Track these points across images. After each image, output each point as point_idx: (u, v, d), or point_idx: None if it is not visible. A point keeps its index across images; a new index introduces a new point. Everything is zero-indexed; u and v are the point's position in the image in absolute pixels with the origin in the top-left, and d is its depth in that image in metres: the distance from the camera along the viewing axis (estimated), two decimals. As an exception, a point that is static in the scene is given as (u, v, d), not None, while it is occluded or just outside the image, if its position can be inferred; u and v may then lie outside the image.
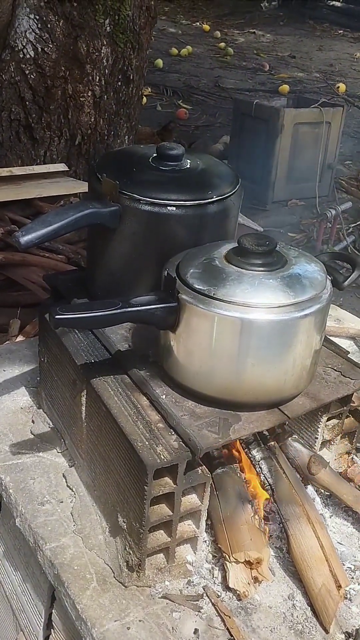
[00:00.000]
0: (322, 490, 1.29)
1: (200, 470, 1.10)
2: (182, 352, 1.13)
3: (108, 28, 2.73)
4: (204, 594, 1.11)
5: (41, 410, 1.49)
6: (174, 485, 1.06)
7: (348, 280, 1.19)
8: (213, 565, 1.16)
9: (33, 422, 1.47)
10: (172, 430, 1.09)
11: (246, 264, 1.11)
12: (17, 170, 2.69)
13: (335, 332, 1.90)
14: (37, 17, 2.53)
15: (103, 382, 1.20)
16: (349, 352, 1.35)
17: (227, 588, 1.12)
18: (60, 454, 1.39)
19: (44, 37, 2.56)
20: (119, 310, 1.08)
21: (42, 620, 1.29)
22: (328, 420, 1.28)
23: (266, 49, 9.39)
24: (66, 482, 1.32)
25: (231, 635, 1.05)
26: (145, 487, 1.03)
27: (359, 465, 1.35)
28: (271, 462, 1.25)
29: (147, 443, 1.06)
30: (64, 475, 1.33)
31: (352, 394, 1.26)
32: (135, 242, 1.24)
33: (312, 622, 1.09)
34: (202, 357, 1.11)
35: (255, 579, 1.12)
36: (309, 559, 1.13)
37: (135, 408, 1.14)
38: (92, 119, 2.87)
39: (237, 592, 1.11)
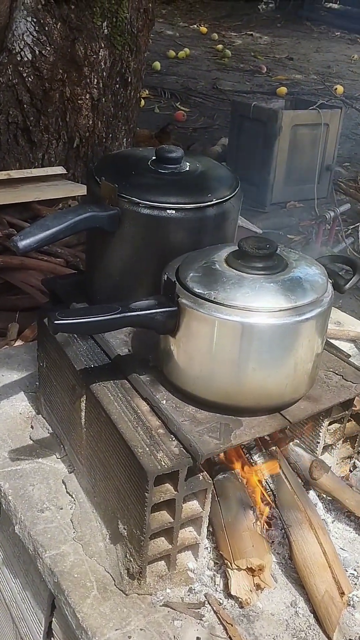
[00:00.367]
0: (324, 495, 1.28)
1: (201, 477, 1.08)
2: (183, 357, 1.12)
3: (106, 31, 2.72)
4: (206, 602, 1.10)
5: (40, 415, 1.48)
6: (175, 492, 1.05)
7: (349, 283, 1.18)
8: (215, 573, 1.14)
9: (32, 427, 1.46)
10: (172, 435, 1.08)
11: (246, 268, 1.10)
12: (15, 174, 2.68)
13: (335, 334, 1.89)
14: (35, 20, 2.52)
15: (103, 387, 1.18)
16: (350, 356, 1.34)
17: (229, 595, 1.11)
18: (59, 459, 1.38)
19: (42, 40, 2.55)
20: (118, 315, 1.07)
21: (42, 628, 1.28)
22: (330, 424, 1.27)
23: (264, 51, 9.40)
24: (66, 488, 1.31)
25: (233, 644, 1.04)
26: (146, 493, 1.02)
27: (361, 469, 1.34)
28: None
29: (147, 449, 1.05)
30: (63, 482, 1.32)
31: (354, 398, 1.25)
32: (134, 245, 1.23)
33: (315, 629, 1.08)
34: (203, 361, 1.10)
35: (258, 586, 1.11)
36: (311, 566, 1.11)
37: (136, 413, 1.13)
38: (90, 122, 2.86)
39: (239, 599, 1.09)
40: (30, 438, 1.42)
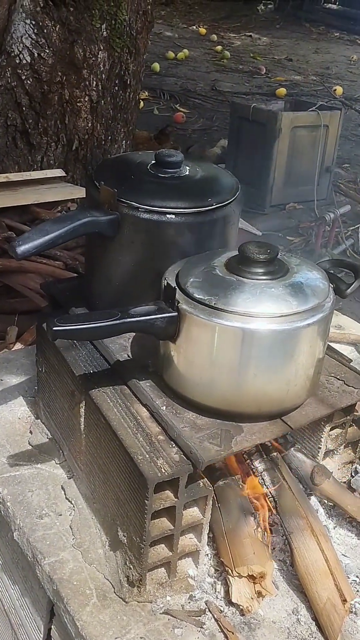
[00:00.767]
0: (326, 501, 1.27)
1: (201, 483, 1.08)
2: (183, 363, 1.11)
3: (105, 33, 2.71)
4: (207, 609, 1.09)
5: (39, 420, 1.47)
6: (175, 499, 1.04)
7: (351, 288, 1.17)
8: (215, 580, 1.14)
9: (31, 432, 1.45)
10: (172, 442, 1.07)
11: (247, 273, 1.09)
12: (14, 176, 2.67)
13: (336, 338, 1.89)
14: (33, 23, 2.52)
15: (102, 393, 1.18)
16: (351, 360, 1.34)
17: (229, 603, 1.10)
18: (58, 465, 1.37)
19: (40, 43, 2.55)
20: (118, 321, 1.06)
21: (41, 636, 1.27)
22: (331, 429, 1.26)
23: (263, 52, 9.40)
24: (65, 494, 1.30)
25: (234, 652, 1.03)
26: (146, 501, 1.01)
27: (362, 475, 1.33)
28: (274, 473, 1.23)
29: (147, 456, 1.04)
30: (62, 488, 1.31)
31: (356, 403, 1.24)
32: (134, 250, 1.23)
33: (317, 637, 1.07)
34: (203, 367, 1.09)
35: (259, 594, 1.10)
36: (313, 573, 1.10)
37: (135, 420, 1.12)
38: (89, 124, 2.85)
39: (240, 607, 1.09)
40: (29, 443, 1.42)
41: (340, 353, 1.34)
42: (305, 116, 4.00)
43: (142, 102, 5.50)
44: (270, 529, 1.19)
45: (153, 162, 1.28)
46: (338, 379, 1.24)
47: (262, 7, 12.81)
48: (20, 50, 2.54)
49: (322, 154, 4.06)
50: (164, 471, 1.01)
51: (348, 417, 1.25)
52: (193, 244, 1.21)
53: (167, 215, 1.18)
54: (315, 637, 1.07)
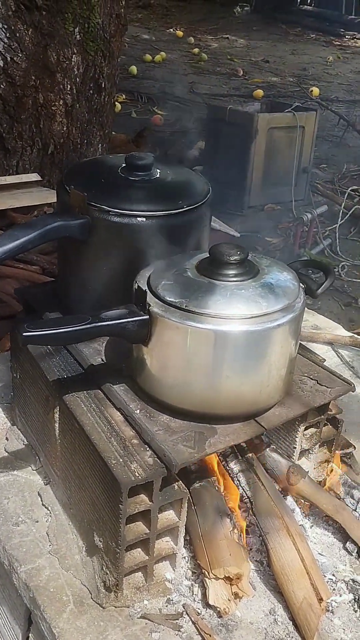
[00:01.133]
0: (302, 501, 1.28)
1: (176, 486, 1.08)
2: (156, 366, 1.11)
3: (78, 36, 2.71)
4: (184, 612, 1.09)
5: (15, 427, 1.46)
6: (150, 503, 1.04)
7: (321, 288, 1.18)
8: (193, 582, 1.13)
9: (7, 439, 1.44)
10: (146, 445, 1.07)
11: (218, 275, 1.09)
12: (-11, 181, 2.65)
13: (312, 337, 1.90)
14: (6, 27, 2.50)
15: (76, 398, 1.17)
16: (324, 360, 1.34)
17: (207, 605, 1.10)
18: (35, 471, 1.36)
19: (13, 47, 2.53)
20: (89, 326, 1.06)
21: (20, 644, 1.26)
22: (306, 429, 1.26)
23: (240, 54, 9.42)
24: (41, 500, 1.29)
25: (212, 654, 1.03)
26: (120, 505, 1.01)
27: (338, 473, 1.34)
28: (249, 474, 1.23)
29: (121, 460, 1.04)
30: (39, 494, 1.30)
31: (329, 402, 1.24)
32: (105, 254, 1.22)
33: (294, 636, 1.07)
34: (176, 370, 1.09)
35: (236, 595, 1.10)
36: (289, 573, 1.11)
37: (109, 424, 1.11)
38: (65, 128, 2.84)
39: (218, 609, 1.09)
40: (5, 450, 1.41)
41: (313, 352, 1.35)
42: (282, 117, 4.01)
43: (119, 105, 5.50)
44: (246, 530, 1.19)
45: (124, 165, 1.28)
46: (311, 379, 1.25)
47: (239, 10, 12.85)
48: (-7, 54, 2.53)
49: (299, 154, 4.08)
50: (137, 475, 1.01)
51: (322, 416, 1.26)
52: (164, 247, 1.20)
53: (138, 219, 1.18)
54: (292, 637, 1.07)
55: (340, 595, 1.14)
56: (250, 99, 6.58)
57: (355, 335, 1.97)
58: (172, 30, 10.65)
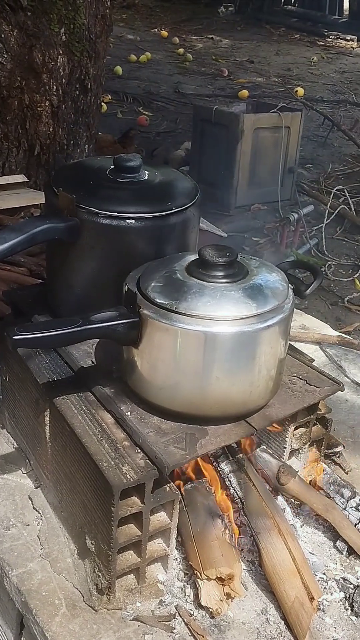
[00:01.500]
0: (293, 500, 1.28)
1: (168, 488, 1.08)
2: (146, 368, 1.11)
3: (63, 37, 2.69)
4: (176, 614, 1.09)
5: (5, 430, 1.46)
6: (142, 505, 1.04)
7: (310, 288, 1.19)
8: (185, 583, 1.14)
9: (-4, 442, 1.43)
10: (138, 448, 1.07)
11: (207, 276, 1.10)
12: (-25, 183, 2.64)
13: (300, 337, 1.91)
14: (-10, 27, 2.49)
15: (66, 400, 1.17)
16: (313, 360, 1.35)
17: (199, 606, 1.10)
18: (25, 474, 1.35)
19: (-2, 47, 2.52)
20: (79, 328, 1.06)
21: (12, 648, 1.25)
22: (296, 429, 1.27)
23: (224, 55, 9.43)
24: (32, 504, 1.29)
25: (205, 655, 1.03)
26: (112, 508, 1.01)
27: (327, 472, 1.34)
28: (240, 474, 1.24)
29: (112, 463, 1.04)
30: (29, 497, 1.30)
31: (319, 402, 1.25)
32: (94, 256, 1.22)
33: (286, 636, 1.08)
34: (166, 372, 1.09)
35: (228, 595, 1.11)
36: (281, 572, 1.11)
37: (100, 426, 1.11)
38: (51, 129, 2.83)
39: (210, 609, 1.09)
40: (-6, 454, 1.40)
41: (302, 353, 1.35)
42: (267, 118, 4.02)
43: (105, 106, 5.48)
44: (238, 530, 1.20)
45: (112, 167, 1.28)
46: (300, 379, 1.25)
47: (223, 10, 12.87)
48: (-22, 55, 2.52)
49: (285, 154, 4.08)
50: (129, 477, 1.01)
51: (312, 416, 1.26)
52: (153, 249, 1.21)
53: (127, 220, 1.18)
54: (284, 636, 1.08)
55: (332, 594, 1.15)
56: (236, 99, 6.60)
57: (343, 335, 1.98)
58: (156, 30, 10.65)
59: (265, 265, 1.18)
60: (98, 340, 1.26)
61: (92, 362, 1.23)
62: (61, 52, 2.73)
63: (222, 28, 11.52)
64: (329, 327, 2.06)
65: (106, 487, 1.01)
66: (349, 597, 1.15)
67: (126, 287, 1.11)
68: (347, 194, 4.16)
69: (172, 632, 1.06)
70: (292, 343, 1.39)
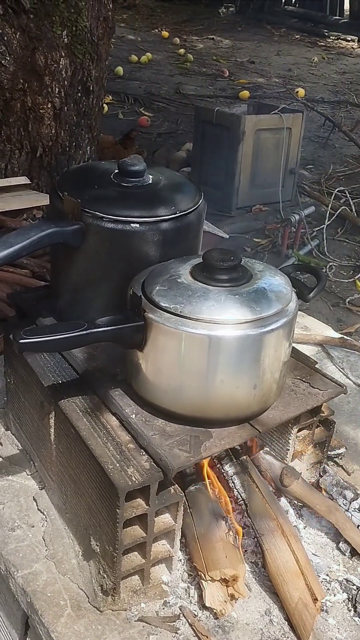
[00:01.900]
0: (296, 502, 1.29)
1: (172, 490, 1.09)
2: (151, 371, 1.12)
3: (66, 39, 2.71)
4: (181, 615, 1.10)
5: (9, 432, 1.47)
6: (147, 507, 1.05)
7: (313, 292, 1.20)
8: (189, 585, 1.15)
9: (1, 444, 1.44)
10: (143, 450, 1.08)
11: (211, 280, 1.11)
12: (-22, 185, 2.65)
13: (302, 339, 1.92)
14: (-7, 30, 2.50)
15: (71, 403, 1.18)
16: (316, 362, 1.36)
17: (203, 607, 1.11)
18: (30, 476, 1.36)
19: (1, 50, 2.53)
20: (85, 332, 1.07)
21: (17, 648, 1.26)
22: (299, 431, 1.28)
23: (225, 55, 9.45)
24: (37, 505, 1.30)
25: (209, 656, 1.04)
26: (118, 510, 1.02)
27: (330, 474, 1.35)
28: (244, 476, 1.25)
29: (117, 465, 1.05)
30: (34, 499, 1.31)
31: (322, 405, 1.26)
32: (99, 260, 1.23)
33: (290, 637, 1.09)
34: (171, 375, 1.10)
35: (232, 596, 1.12)
36: (284, 573, 1.12)
37: (105, 429, 1.12)
38: (53, 131, 2.84)
39: (214, 610, 1.10)
40: (-1, 455, 1.41)
41: (306, 356, 1.36)
42: (268, 119, 4.03)
43: (106, 107, 5.49)
44: (241, 532, 1.21)
45: (116, 171, 1.29)
46: (304, 382, 1.26)
47: (224, 10, 12.89)
48: (-19, 58, 2.53)
49: (286, 156, 4.10)
50: (134, 480, 1.02)
51: (315, 418, 1.27)
52: (158, 252, 1.22)
53: (132, 225, 1.19)
54: (287, 637, 1.08)
55: (335, 595, 1.16)
56: (237, 99, 6.62)
57: (345, 337, 1.99)
58: (157, 30, 10.66)
59: (269, 269, 1.19)
60: (102, 342, 1.26)
61: (97, 365, 1.24)
62: (63, 54, 2.75)
63: (223, 28, 11.53)
64: (330, 329, 2.07)
65: (111, 489, 1.02)
66: (352, 598, 1.16)
67: (131, 290, 1.12)
68: (348, 195, 4.18)
69: (176, 632, 1.07)
70: (295, 345, 1.40)
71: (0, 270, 2.27)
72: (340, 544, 1.25)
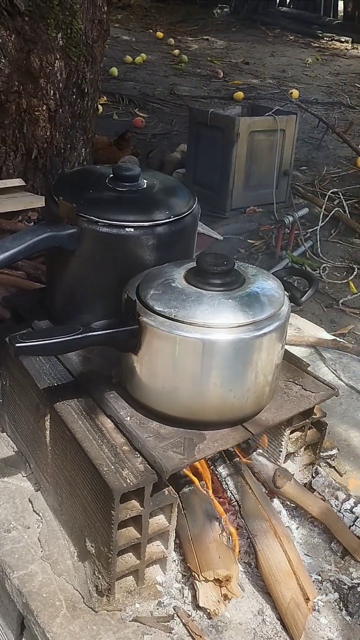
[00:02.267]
0: (288, 503, 1.31)
1: (167, 491, 1.10)
2: (145, 374, 1.13)
3: (61, 42, 2.71)
4: (175, 615, 1.12)
5: (4, 434, 1.48)
6: (141, 508, 1.06)
7: (305, 296, 1.21)
8: (183, 585, 1.16)
9: (-4, 446, 1.45)
10: (137, 452, 1.10)
11: (205, 284, 1.12)
12: (-27, 187, 2.65)
13: (295, 341, 1.93)
14: (-12, 32, 2.51)
15: (67, 405, 1.19)
16: (308, 365, 1.38)
17: (197, 607, 1.12)
18: (25, 478, 1.38)
19: (-4, 52, 2.54)
20: (80, 336, 1.08)
21: (12, 648, 1.27)
22: (291, 433, 1.30)
23: (220, 56, 9.47)
24: (32, 507, 1.31)
25: (203, 655, 1.06)
26: (112, 511, 1.03)
27: (322, 475, 1.37)
28: (237, 478, 1.26)
29: (112, 467, 1.06)
30: (30, 500, 1.32)
31: (314, 407, 1.28)
32: (94, 263, 1.24)
33: (282, 636, 1.10)
34: (165, 378, 1.11)
35: (225, 596, 1.13)
36: (277, 574, 1.14)
37: (100, 431, 1.14)
38: (48, 133, 2.85)
39: (208, 610, 1.11)
40: (-5, 457, 1.42)
41: (298, 358, 1.38)
42: (262, 121, 4.05)
43: (101, 107, 5.49)
44: (235, 533, 1.22)
45: (111, 175, 1.30)
46: (296, 384, 1.28)
47: (218, 11, 12.90)
48: (-24, 60, 2.53)
49: (280, 157, 4.11)
50: (129, 481, 1.04)
51: (307, 420, 1.29)
52: (152, 256, 1.23)
53: (126, 229, 1.20)
54: (280, 636, 1.10)
55: (326, 595, 1.18)
56: (231, 100, 6.63)
57: (338, 339, 2.01)
58: (151, 31, 10.67)
59: (262, 273, 1.20)
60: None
61: (92, 368, 1.26)
62: (58, 56, 2.75)
63: (217, 29, 11.55)
64: (323, 331, 2.09)
65: (106, 491, 1.03)
66: (343, 598, 1.17)
67: (126, 294, 1.13)
68: (341, 197, 4.20)
69: (170, 632, 1.09)
70: (287, 347, 1.42)
71: (-5, 272, 2.28)
72: (332, 545, 1.27)
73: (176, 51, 9.22)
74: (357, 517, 1.28)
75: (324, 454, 1.45)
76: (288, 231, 3.73)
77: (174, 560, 1.18)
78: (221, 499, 1.25)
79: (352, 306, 3.29)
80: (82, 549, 1.17)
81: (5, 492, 1.34)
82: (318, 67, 9.43)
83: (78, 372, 1.24)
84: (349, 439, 1.58)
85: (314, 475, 1.38)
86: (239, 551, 1.21)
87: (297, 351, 1.84)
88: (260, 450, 1.32)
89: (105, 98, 6.22)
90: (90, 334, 1.09)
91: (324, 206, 4.00)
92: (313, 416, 1.30)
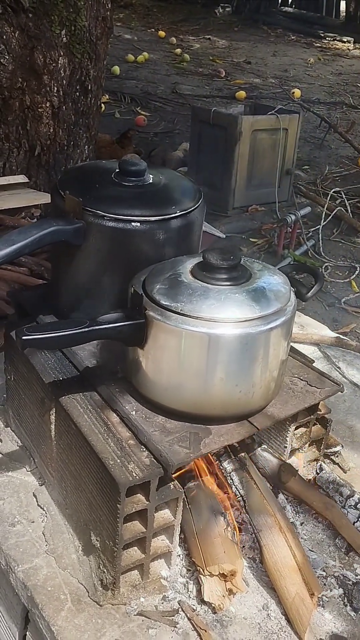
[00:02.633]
0: (293, 498, 1.31)
1: (172, 486, 1.10)
2: (151, 368, 1.13)
3: (64, 39, 2.71)
4: (180, 609, 1.12)
5: (9, 428, 1.48)
6: (147, 502, 1.07)
7: (311, 292, 1.21)
8: (187, 579, 1.16)
9: (1, 440, 1.45)
10: (143, 446, 1.10)
11: (212, 279, 1.12)
12: (-24, 183, 2.65)
13: (299, 338, 1.93)
14: (-8, 29, 2.51)
15: (72, 399, 1.19)
16: (313, 361, 1.38)
17: (202, 601, 1.12)
18: (29, 472, 1.37)
19: (0, 49, 2.54)
20: (86, 329, 1.08)
21: (16, 642, 1.28)
22: (296, 429, 1.30)
23: (222, 55, 9.47)
24: (37, 501, 1.31)
25: (208, 649, 1.06)
26: (118, 505, 1.03)
27: (327, 472, 1.37)
28: (242, 473, 1.26)
29: (118, 461, 1.06)
30: (34, 495, 1.32)
31: (319, 403, 1.28)
32: (100, 258, 1.24)
33: (287, 631, 1.10)
34: (171, 372, 1.11)
35: (230, 591, 1.13)
36: (282, 569, 1.14)
37: (106, 425, 1.14)
38: (51, 130, 2.85)
39: (212, 605, 1.11)
40: (-1, 452, 1.42)
41: (303, 354, 1.38)
42: (265, 120, 4.05)
43: (103, 106, 5.49)
44: (239, 528, 1.22)
45: (117, 170, 1.30)
46: (301, 380, 1.28)
47: (220, 10, 12.91)
48: (-20, 56, 2.53)
49: (282, 156, 4.12)
50: (135, 475, 1.04)
51: (312, 416, 1.29)
52: (158, 251, 1.23)
53: (132, 224, 1.20)
54: (285, 631, 1.10)
55: (331, 590, 1.18)
56: (233, 100, 6.64)
57: (341, 336, 2.01)
58: (153, 30, 10.67)
59: (268, 268, 1.20)
60: (103, 340, 1.28)
61: (97, 362, 1.26)
62: (62, 53, 2.75)
63: (219, 28, 11.56)
64: (326, 328, 2.09)
65: (112, 485, 1.03)
66: (347, 593, 1.17)
67: (132, 289, 1.13)
68: (343, 196, 4.20)
69: (175, 626, 1.09)
70: (292, 344, 1.42)
71: (-1, 268, 2.28)
72: (337, 540, 1.27)
73: (178, 50, 9.22)
74: (362, 513, 1.28)
75: (328, 450, 1.45)
76: (290, 230, 3.73)
77: (179, 555, 1.18)
78: (226, 494, 1.25)
79: (354, 305, 3.30)
80: (87, 543, 1.17)
81: (10, 487, 1.34)
82: (320, 67, 9.44)
83: (83, 367, 1.24)
84: (353, 435, 1.58)
85: (318, 471, 1.38)
86: (244, 546, 1.21)
87: (301, 349, 1.83)
88: (265, 446, 1.32)
89: (107, 96, 6.22)
90: (97, 327, 1.09)
91: (326, 205, 4.00)
92: (318, 412, 1.30)
